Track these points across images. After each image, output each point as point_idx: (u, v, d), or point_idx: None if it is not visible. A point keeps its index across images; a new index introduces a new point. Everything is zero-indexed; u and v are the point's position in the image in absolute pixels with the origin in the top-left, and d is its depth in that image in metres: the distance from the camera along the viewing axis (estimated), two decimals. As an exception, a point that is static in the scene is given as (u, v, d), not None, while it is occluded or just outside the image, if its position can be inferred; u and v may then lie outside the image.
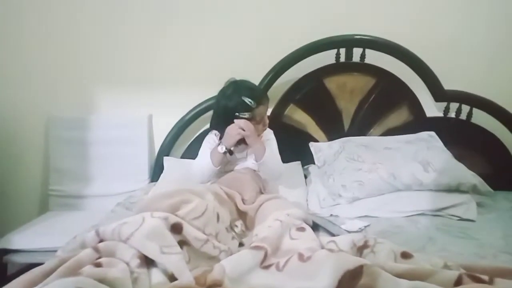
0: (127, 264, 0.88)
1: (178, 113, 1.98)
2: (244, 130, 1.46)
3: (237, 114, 1.48)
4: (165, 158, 1.98)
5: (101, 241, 0.97)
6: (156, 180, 1.89)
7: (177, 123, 1.99)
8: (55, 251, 1.16)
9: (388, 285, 0.80)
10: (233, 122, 1.49)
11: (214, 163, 1.51)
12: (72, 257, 0.88)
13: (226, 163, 1.59)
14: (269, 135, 1.67)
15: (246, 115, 1.48)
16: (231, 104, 1.50)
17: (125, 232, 0.94)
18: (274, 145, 1.64)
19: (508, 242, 1.22)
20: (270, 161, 1.52)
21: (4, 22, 1.99)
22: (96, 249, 0.92)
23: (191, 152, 1.96)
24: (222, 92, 1.57)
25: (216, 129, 1.61)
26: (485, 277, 0.81)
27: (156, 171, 1.99)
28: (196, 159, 1.60)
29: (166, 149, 2.01)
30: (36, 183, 2.14)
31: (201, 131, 1.99)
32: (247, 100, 1.48)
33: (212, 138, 1.62)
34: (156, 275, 0.89)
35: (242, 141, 1.52)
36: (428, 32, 1.89)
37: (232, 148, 1.52)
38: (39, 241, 1.59)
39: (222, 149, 1.49)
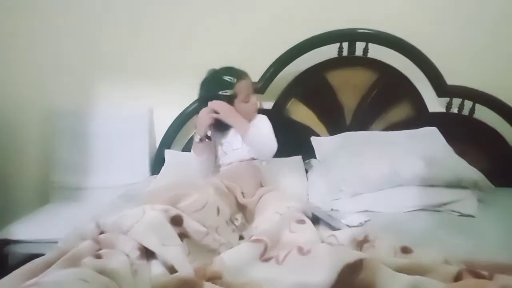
0: (127, 255, 0.88)
1: (180, 106, 1.97)
2: (217, 112, 1.45)
3: (219, 93, 1.48)
4: (166, 151, 1.98)
5: (101, 233, 0.98)
6: (157, 173, 1.89)
7: (178, 116, 1.98)
8: (56, 242, 1.16)
9: (387, 280, 0.80)
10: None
11: (196, 154, 1.52)
12: (72, 249, 0.88)
13: (222, 156, 1.58)
14: (262, 119, 1.61)
15: (228, 91, 1.48)
16: (212, 87, 1.52)
17: (125, 224, 0.94)
18: (265, 125, 1.58)
19: (508, 239, 1.22)
20: (255, 137, 1.49)
21: (1, 14, 1.98)
22: (96, 241, 0.92)
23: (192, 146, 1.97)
24: (203, 80, 1.58)
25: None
26: (485, 273, 0.80)
27: (157, 164, 2.00)
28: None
29: (167, 142, 2.01)
30: (37, 175, 2.14)
31: (202, 124, 1.98)
32: (227, 78, 1.49)
33: None
34: (156, 267, 0.89)
35: (223, 125, 1.50)
36: (432, 27, 1.87)
37: (209, 134, 1.51)
38: (40, 232, 1.59)
39: (196, 138, 1.49)
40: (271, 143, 1.51)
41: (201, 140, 1.50)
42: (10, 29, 2.00)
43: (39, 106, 2.07)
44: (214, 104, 1.46)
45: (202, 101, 1.56)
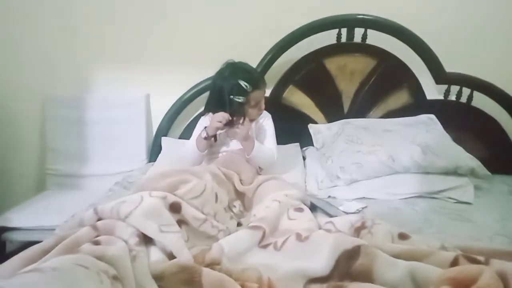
0: (126, 242, 0.88)
1: (176, 93, 1.96)
2: (220, 122, 1.44)
3: (231, 97, 1.46)
4: (163, 138, 1.97)
5: (99, 219, 0.97)
6: (154, 160, 1.89)
7: (175, 103, 1.97)
8: (53, 229, 1.16)
9: (385, 265, 0.81)
10: (227, 105, 1.48)
11: (199, 148, 1.52)
12: (70, 235, 0.88)
13: (217, 145, 1.58)
14: (266, 120, 1.66)
15: (241, 99, 1.47)
16: (227, 86, 1.48)
17: (123, 210, 0.94)
18: (270, 131, 1.63)
19: (504, 225, 1.23)
20: (258, 155, 1.51)
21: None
22: (95, 227, 0.92)
23: (189, 133, 1.93)
24: (219, 73, 1.55)
25: (210, 111, 1.59)
26: (481, 258, 0.81)
27: (154, 151, 1.99)
28: (188, 141, 1.60)
29: (164, 129, 1.99)
30: (34, 163, 2.13)
31: (199, 111, 1.97)
32: (243, 84, 1.46)
33: (205, 121, 1.60)
34: (155, 253, 0.90)
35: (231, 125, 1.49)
36: (431, 14, 1.86)
37: (217, 135, 1.53)
38: (37, 219, 1.59)
39: (203, 134, 1.49)
40: (271, 159, 1.56)
41: (206, 138, 1.50)
42: (6, 15, 1.97)
43: (35, 93, 2.04)
44: (221, 117, 1.45)
45: (215, 98, 1.55)
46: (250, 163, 1.52)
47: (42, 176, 2.05)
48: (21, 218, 1.61)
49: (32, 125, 2.09)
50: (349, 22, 1.83)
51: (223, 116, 1.45)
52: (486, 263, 0.80)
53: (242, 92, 1.46)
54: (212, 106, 1.57)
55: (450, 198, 1.45)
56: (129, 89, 2.03)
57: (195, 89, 1.93)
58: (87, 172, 2.00)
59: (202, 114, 1.69)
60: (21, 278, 0.66)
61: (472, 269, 0.75)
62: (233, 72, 1.50)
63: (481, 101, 1.85)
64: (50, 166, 2.01)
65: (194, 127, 1.67)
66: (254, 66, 1.81)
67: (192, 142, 1.56)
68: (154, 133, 2.04)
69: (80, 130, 2.00)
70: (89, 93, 2.04)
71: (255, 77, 1.55)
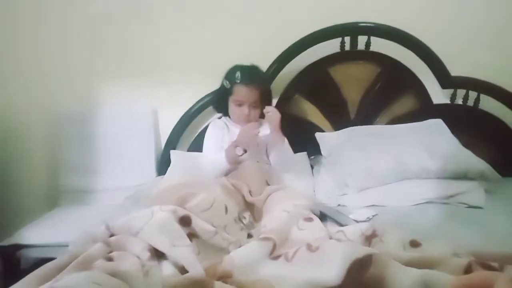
0: (138, 257, 0.88)
1: (184, 106, 1.98)
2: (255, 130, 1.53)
3: (223, 81, 1.63)
4: (171, 151, 1.98)
5: (111, 235, 0.98)
6: (164, 174, 1.90)
7: (183, 116, 1.99)
8: (66, 245, 1.17)
9: (397, 274, 0.80)
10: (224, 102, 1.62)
11: (230, 162, 1.53)
12: (83, 252, 0.89)
13: None
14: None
15: (228, 84, 1.61)
16: (220, 84, 1.65)
17: (135, 226, 0.95)
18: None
19: (517, 229, 1.22)
20: (286, 153, 1.57)
21: (3, 16, 1.99)
22: (107, 243, 0.93)
23: (198, 145, 1.96)
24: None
25: (216, 109, 1.76)
26: (495, 264, 0.80)
27: (163, 164, 2.00)
28: (206, 151, 1.60)
29: (173, 142, 2.01)
30: (45, 179, 2.15)
31: (207, 123, 1.98)
32: (224, 81, 1.60)
33: (218, 125, 1.62)
34: (167, 268, 0.90)
35: None
36: (434, 18, 1.86)
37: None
38: (50, 236, 1.60)
39: (239, 151, 1.51)
40: (293, 161, 1.64)
41: (242, 154, 1.53)
42: (13, 32, 2.01)
43: (44, 109, 2.07)
44: (270, 110, 1.56)
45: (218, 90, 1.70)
46: (274, 160, 1.57)
47: (54, 192, 2.07)
48: (34, 236, 1.63)
49: (41, 142, 2.12)
50: (351, 30, 1.84)
51: (253, 125, 1.53)
52: (501, 269, 0.79)
53: (231, 78, 1.59)
54: (215, 102, 1.75)
55: (460, 203, 1.44)
56: (137, 103, 2.05)
57: (202, 102, 1.95)
58: (97, 187, 2.01)
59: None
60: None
61: (486, 275, 0.74)
62: (229, 70, 1.64)
63: (488, 104, 1.84)
64: (61, 182, 2.04)
65: (203, 139, 1.68)
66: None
67: (220, 155, 1.55)
68: (162, 146, 2.06)
69: (90, 145, 2.03)
70: (98, 108, 2.07)
71: (247, 72, 1.61)
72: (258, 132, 1.52)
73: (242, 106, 1.59)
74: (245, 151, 1.55)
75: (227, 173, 1.55)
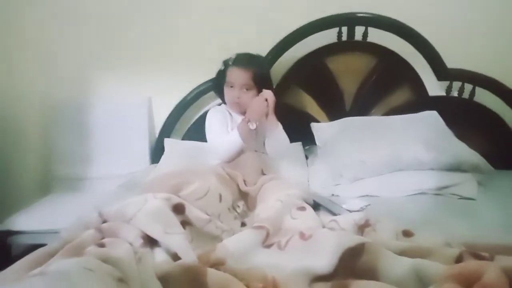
0: (130, 244, 0.88)
1: (179, 95, 1.96)
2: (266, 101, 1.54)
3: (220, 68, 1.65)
4: (165, 140, 1.97)
5: (104, 222, 0.98)
6: (157, 162, 1.89)
7: (177, 104, 1.97)
8: (58, 232, 1.17)
9: (389, 263, 0.81)
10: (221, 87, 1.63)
11: (244, 140, 1.50)
12: (75, 238, 0.89)
13: None
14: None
15: (222, 66, 1.63)
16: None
17: (128, 213, 0.95)
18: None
19: (508, 220, 1.23)
20: (280, 135, 1.57)
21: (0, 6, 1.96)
22: (100, 230, 0.93)
23: (192, 134, 1.96)
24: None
25: (218, 95, 1.75)
26: (486, 254, 0.81)
27: (157, 153, 1.99)
28: (212, 135, 1.59)
29: (167, 131, 2.00)
30: (38, 166, 2.14)
31: (201, 112, 1.98)
32: (221, 66, 1.64)
33: (219, 110, 1.64)
34: (160, 255, 0.90)
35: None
36: (431, 10, 1.85)
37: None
38: (42, 223, 1.60)
39: (253, 125, 1.51)
40: (288, 143, 1.64)
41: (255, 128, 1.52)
42: (9, 20, 1.98)
43: (38, 97, 2.05)
44: (266, 93, 1.55)
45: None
46: (269, 145, 1.59)
47: (47, 179, 2.06)
48: (26, 222, 1.62)
49: (35, 129, 2.10)
50: (349, 20, 1.83)
51: (261, 98, 1.54)
52: (491, 259, 0.80)
53: (226, 62, 1.62)
54: (215, 87, 1.75)
55: (453, 194, 1.45)
56: (131, 91, 2.03)
57: (197, 91, 1.94)
58: (91, 175, 2.00)
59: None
60: (27, 282, 0.67)
61: (477, 265, 0.75)
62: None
63: (484, 97, 1.85)
64: (54, 169, 2.02)
65: (197, 128, 1.68)
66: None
67: (233, 136, 1.51)
68: (157, 135, 2.05)
69: (83, 133, 2.01)
70: (92, 96, 2.04)
71: (242, 55, 1.63)
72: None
73: (233, 88, 1.58)
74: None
75: (239, 153, 1.52)
